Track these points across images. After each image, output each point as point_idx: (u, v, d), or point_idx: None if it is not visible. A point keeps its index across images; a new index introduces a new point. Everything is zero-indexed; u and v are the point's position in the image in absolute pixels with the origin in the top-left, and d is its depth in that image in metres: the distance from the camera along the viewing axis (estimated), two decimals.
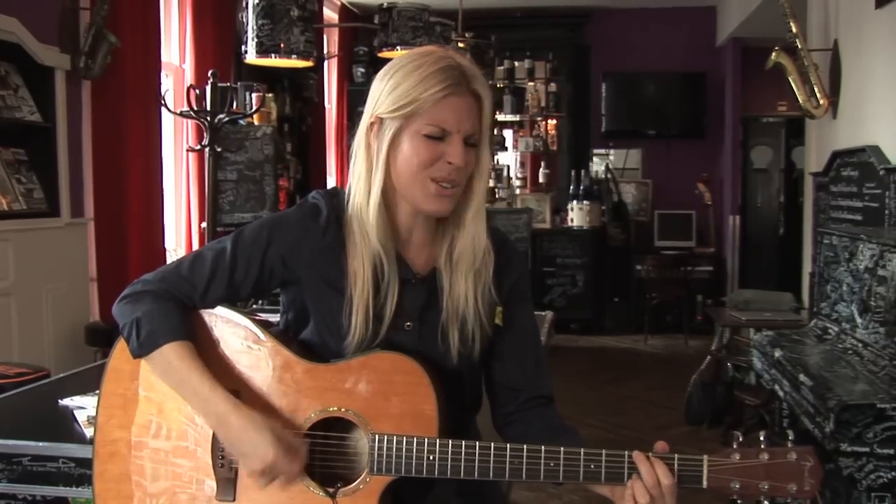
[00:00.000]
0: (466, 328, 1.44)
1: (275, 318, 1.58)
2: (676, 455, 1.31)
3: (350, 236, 1.42)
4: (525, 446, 1.33)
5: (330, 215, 1.43)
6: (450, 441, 1.35)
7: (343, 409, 1.39)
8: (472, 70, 1.39)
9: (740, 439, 1.30)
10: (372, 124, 1.41)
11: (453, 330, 1.44)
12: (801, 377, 2.68)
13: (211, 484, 1.41)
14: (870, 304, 2.82)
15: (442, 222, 1.47)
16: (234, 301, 1.46)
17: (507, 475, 1.34)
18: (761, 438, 1.30)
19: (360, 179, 1.42)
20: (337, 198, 1.46)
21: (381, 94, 1.39)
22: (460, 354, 1.45)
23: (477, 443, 1.34)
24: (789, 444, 1.29)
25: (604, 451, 1.32)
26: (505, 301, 1.50)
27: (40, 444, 1.67)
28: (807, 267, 4.82)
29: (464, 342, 1.44)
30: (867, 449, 2.22)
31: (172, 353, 1.37)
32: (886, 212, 3.44)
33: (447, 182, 1.38)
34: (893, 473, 2.21)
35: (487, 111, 1.41)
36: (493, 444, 1.34)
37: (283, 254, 1.42)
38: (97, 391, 1.47)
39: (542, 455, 1.32)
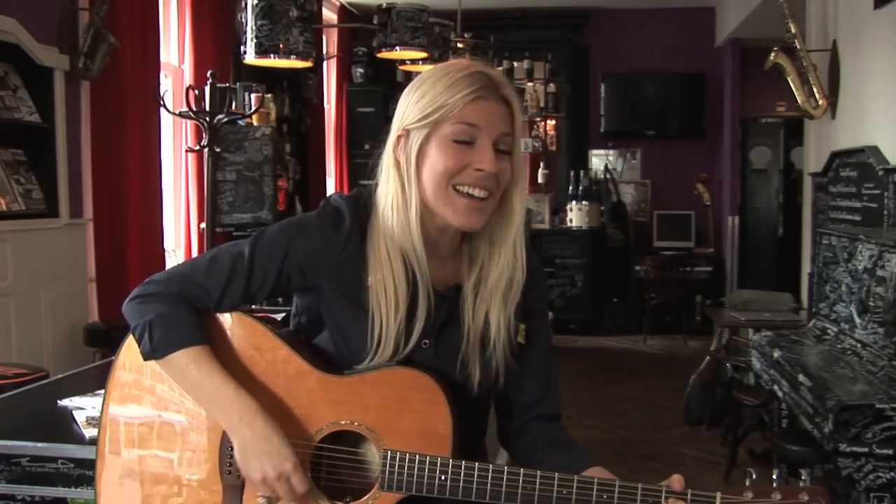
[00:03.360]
0: (490, 359, 1.41)
1: (278, 315, 1.57)
2: (689, 491, 1.28)
3: (374, 252, 1.37)
4: (538, 472, 1.30)
5: (353, 225, 1.39)
6: (463, 462, 1.32)
7: (355, 423, 1.36)
8: (500, 77, 1.36)
9: (753, 476, 1.29)
10: (399, 138, 1.37)
11: (475, 360, 1.40)
12: (800, 377, 2.68)
13: (217, 490, 1.40)
14: (868, 305, 2.82)
15: (469, 238, 1.42)
16: (250, 305, 1.44)
17: (518, 500, 1.31)
18: (774, 476, 1.28)
19: (395, 198, 1.36)
20: (361, 205, 1.41)
21: (408, 107, 1.36)
22: (480, 386, 1.41)
23: (490, 466, 1.32)
24: (801, 484, 1.28)
25: (617, 482, 1.29)
26: (525, 317, 1.46)
27: (39, 444, 1.66)
28: (805, 267, 4.82)
29: (485, 373, 1.41)
30: (866, 449, 2.22)
31: (188, 358, 1.35)
32: (885, 212, 3.45)
33: (476, 189, 1.32)
34: (892, 473, 2.21)
35: (518, 118, 1.36)
36: (506, 468, 1.32)
37: (300, 262, 1.39)
38: (96, 392, 1.47)
39: (556, 482, 1.29)
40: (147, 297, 1.38)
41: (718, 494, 1.27)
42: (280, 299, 2.33)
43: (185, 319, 1.36)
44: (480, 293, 1.40)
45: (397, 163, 1.37)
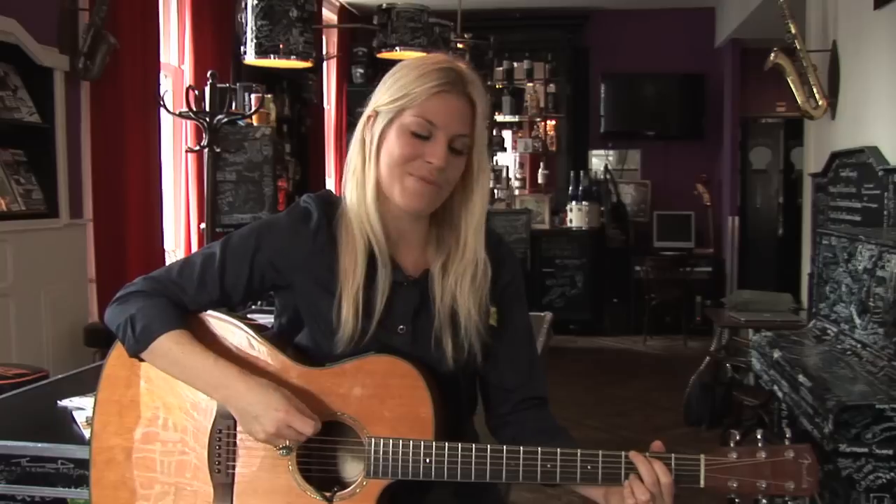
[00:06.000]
0: (459, 336, 1.43)
1: (271, 318, 1.57)
2: (673, 455, 1.31)
3: (342, 233, 1.41)
4: (521, 448, 1.33)
5: (321, 219, 1.43)
6: (446, 443, 1.34)
7: (339, 413, 1.38)
8: (471, 75, 1.40)
9: (738, 438, 1.31)
10: (369, 117, 1.42)
11: (446, 337, 1.42)
12: (800, 378, 2.68)
13: (208, 489, 1.41)
14: (868, 305, 2.82)
15: (436, 225, 1.46)
16: (227, 307, 1.46)
17: (503, 477, 1.33)
18: (759, 437, 1.30)
19: (354, 172, 1.42)
20: (328, 201, 1.46)
21: (381, 91, 1.41)
22: (456, 361, 1.43)
23: (473, 445, 1.34)
24: (787, 443, 1.29)
25: (601, 452, 1.31)
26: (498, 302, 1.49)
27: (39, 445, 1.66)
28: (805, 268, 4.82)
29: (458, 350, 1.43)
30: (866, 450, 2.22)
31: (170, 342, 1.37)
32: (885, 212, 3.44)
33: (423, 180, 1.38)
34: (892, 474, 2.21)
35: (481, 118, 1.41)
36: (489, 446, 1.34)
37: (272, 259, 1.42)
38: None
39: (539, 457, 1.32)
40: (125, 297, 1.42)
41: (703, 456, 1.29)
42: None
43: (163, 309, 1.39)
44: (447, 276, 1.43)
45: (363, 140, 1.42)
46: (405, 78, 1.38)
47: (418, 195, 1.38)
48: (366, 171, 1.41)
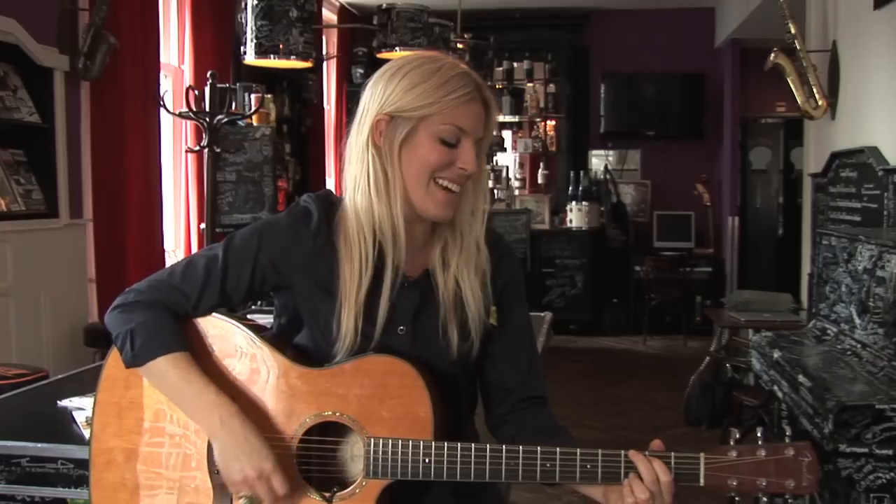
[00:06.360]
0: (466, 322, 1.43)
1: (271, 319, 1.57)
2: (673, 453, 1.31)
3: (342, 238, 1.40)
4: (521, 447, 1.33)
5: (321, 219, 1.42)
6: (445, 443, 1.34)
7: (338, 414, 1.38)
8: (481, 79, 1.42)
9: (737, 436, 1.31)
10: (379, 122, 1.38)
11: (452, 326, 1.43)
12: (800, 378, 2.68)
13: (207, 491, 1.41)
14: (868, 305, 2.82)
15: (437, 225, 1.46)
16: (228, 308, 1.46)
17: (503, 476, 1.33)
18: (759, 435, 1.30)
19: (376, 181, 1.38)
20: (328, 201, 1.46)
21: (392, 94, 1.37)
22: (460, 351, 1.44)
23: (472, 444, 1.34)
24: (787, 441, 1.29)
25: (600, 451, 1.32)
26: (498, 300, 1.49)
27: (39, 445, 1.67)
28: (805, 268, 4.82)
29: (463, 337, 1.44)
30: (866, 450, 2.22)
31: (169, 364, 1.37)
32: (885, 213, 3.44)
33: (454, 184, 1.38)
34: (892, 474, 2.21)
35: (493, 121, 1.43)
36: (488, 445, 1.34)
37: (273, 260, 1.42)
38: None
39: (539, 456, 1.32)
40: (128, 305, 1.41)
41: (702, 455, 1.29)
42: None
43: (164, 326, 1.39)
44: (448, 265, 1.44)
45: (376, 146, 1.39)
46: (425, 84, 1.35)
47: (447, 204, 1.39)
48: (390, 178, 1.38)
